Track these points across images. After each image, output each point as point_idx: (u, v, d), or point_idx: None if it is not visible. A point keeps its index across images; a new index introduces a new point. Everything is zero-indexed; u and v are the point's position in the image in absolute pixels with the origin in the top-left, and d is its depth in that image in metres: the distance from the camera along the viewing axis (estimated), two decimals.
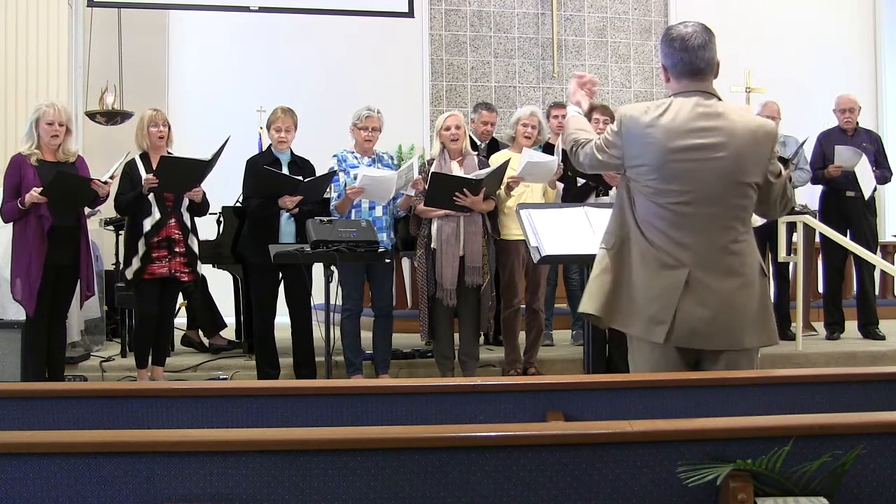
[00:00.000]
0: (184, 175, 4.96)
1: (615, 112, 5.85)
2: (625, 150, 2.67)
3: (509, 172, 5.17)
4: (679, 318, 2.57)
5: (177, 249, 5.04)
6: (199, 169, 4.95)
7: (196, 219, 5.23)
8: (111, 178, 4.93)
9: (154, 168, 4.98)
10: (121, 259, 5.62)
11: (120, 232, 5.85)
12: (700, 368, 2.66)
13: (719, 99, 2.68)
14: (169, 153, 5.15)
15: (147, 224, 4.98)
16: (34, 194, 4.71)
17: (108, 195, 5.01)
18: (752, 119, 2.76)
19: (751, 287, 2.63)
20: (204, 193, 5.13)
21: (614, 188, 4.99)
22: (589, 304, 2.71)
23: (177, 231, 5.05)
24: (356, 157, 5.30)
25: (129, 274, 5.05)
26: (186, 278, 5.10)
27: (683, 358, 2.63)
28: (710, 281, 2.58)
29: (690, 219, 2.59)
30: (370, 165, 5.24)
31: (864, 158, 6.31)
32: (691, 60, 2.64)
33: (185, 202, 5.09)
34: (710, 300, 2.58)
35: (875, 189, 6.56)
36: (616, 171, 2.82)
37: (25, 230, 4.82)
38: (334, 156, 5.34)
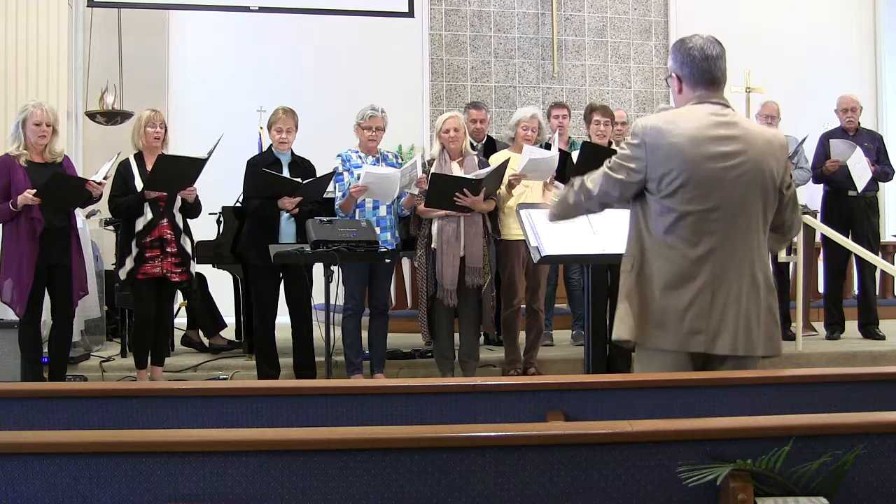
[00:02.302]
0: (181, 173, 4.96)
1: (615, 112, 5.84)
2: (648, 160, 2.61)
3: (510, 171, 5.17)
4: (712, 326, 2.57)
5: (168, 249, 5.03)
6: (195, 166, 4.95)
7: (190, 220, 5.23)
8: (105, 178, 4.93)
9: (150, 167, 4.98)
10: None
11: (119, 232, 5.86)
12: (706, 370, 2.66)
13: (732, 110, 2.70)
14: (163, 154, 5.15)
15: (139, 224, 4.98)
16: (28, 196, 4.67)
17: (101, 196, 5.01)
18: (765, 129, 2.82)
19: (765, 294, 2.65)
20: (197, 195, 5.13)
21: None
22: (621, 329, 2.68)
23: (169, 231, 5.04)
24: (360, 157, 5.30)
25: (122, 274, 5.06)
26: (178, 278, 5.09)
27: (693, 363, 2.63)
28: (733, 287, 2.59)
29: (714, 225, 2.59)
30: (374, 164, 5.24)
31: (859, 152, 6.30)
32: (710, 69, 2.66)
33: (178, 203, 5.09)
34: (734, 306, 2.59)
35: (877, 189, 6.56)
36: (635, 188, 2.66)
37: (17, 232, 4.78)
38: (338, 155, 5.34)
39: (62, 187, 4.80)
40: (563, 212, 2.93)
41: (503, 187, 5.23)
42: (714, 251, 2.59)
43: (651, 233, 2.65)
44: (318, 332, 5.03)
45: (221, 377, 5.40)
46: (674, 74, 2.73)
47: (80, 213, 6.11)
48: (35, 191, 4.68)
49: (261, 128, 7.34)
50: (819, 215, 6.50)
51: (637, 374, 2.71)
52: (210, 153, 4.97)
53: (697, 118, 2.62)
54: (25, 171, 4.79)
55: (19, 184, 4.75)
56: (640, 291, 2.66)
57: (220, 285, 6.51)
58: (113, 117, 7.91)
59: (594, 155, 5.20)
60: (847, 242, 6.03)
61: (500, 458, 1.66)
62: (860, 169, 6.29)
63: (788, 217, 2.77)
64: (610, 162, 2.73)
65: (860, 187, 6.33)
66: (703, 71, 2.66)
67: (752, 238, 2.64)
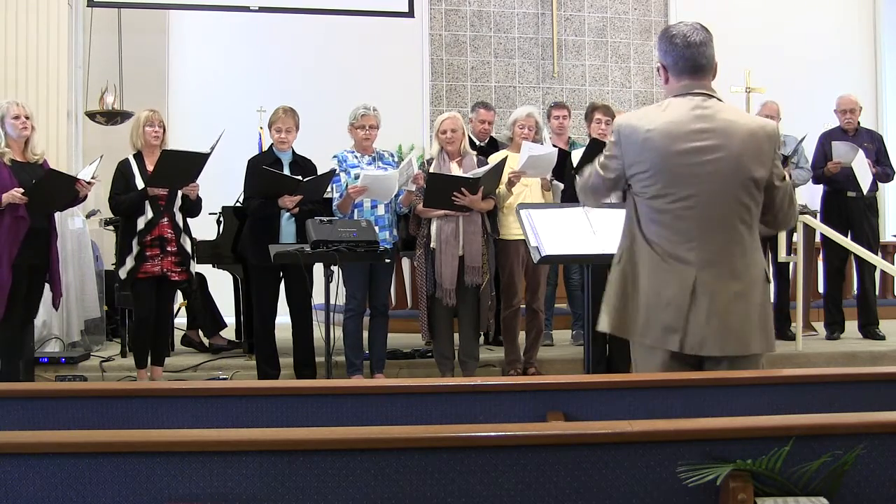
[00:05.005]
0: (183, 168, 4.97)
1: (616, 114, 5.84)
2: (625, 158, 2.64)
3: (509, 168, 5.17)
4: (691, 325, 2.55)
5: (169, 248, 5.04)
6: (197, 161, 4.95)
7: (190, 219, 5.23)
8: (93, 178, 4.94)
9: (150, 167, 4.99)
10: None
11: None
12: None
13: (719, 99, 2.66)
14: None
15: (140, 223, 4.99)
16: (16, 195, 4.68)
17: (86, 197, 5.05)
18: (753, 119, 2.75)
19: (755, 291, 2.61)
20: (198, 195, 5.13)
21: None
22: (603, 321, 2.72)
23: (169, 230, 5.05)
24: (356, 157, 5.29)
25: (122, 273, 5.06)
26: (178, 277, 5.10)
27: (687, 363, 2.61)
28: (716, 285, 2.56)
29: (694, 222, 2.57)
30: (370, 164, 5.24)
31: (861, 154, 6.30)
32: (693, 56, 2.61)
33: (178, 202, 5.09)
34: (718, 305, 2.55)
35: (876, 189, 6.56)
36: (619, 184, 2.74)
37: None
38: (334, 156, 5.33)
39: (53, 186, 4.81)
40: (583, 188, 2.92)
41: (503, 186, 5.23)
42: (697, 247, 2.56)
43: (641, 223, 2.65)
44: (318, 332, 5.03)
45: (221, 377, 5.40)
46: (660, 64, 2.70)
47: (79, 213, 6.13)
48: (23, 190, 4.69)
49: (261, 128, 7.34)
50: (819, 215, 6.50)
51: (637, 374, 2.70)
52: (212, 148, 4.98)
53: (676, 112, 2.60)
54: (10, 169, 4.81)
55: (4, 182, 4.75)
56: (623, 283, 2.66)
57: (220, 285, 6.51)
58: (113, 117, 7.90)
59: (599, 152, 5.20)
60: (847, 242, 6.03)
61: (500, 458, 1.66)
62: (863, 171, 6.30)
63: (784, 212, 2.71)
64: (600, 160, 2.76)
65: (866, 189, 6.33)
66: (686, 59, 2.61)
67: (736, 232, 2.59)
